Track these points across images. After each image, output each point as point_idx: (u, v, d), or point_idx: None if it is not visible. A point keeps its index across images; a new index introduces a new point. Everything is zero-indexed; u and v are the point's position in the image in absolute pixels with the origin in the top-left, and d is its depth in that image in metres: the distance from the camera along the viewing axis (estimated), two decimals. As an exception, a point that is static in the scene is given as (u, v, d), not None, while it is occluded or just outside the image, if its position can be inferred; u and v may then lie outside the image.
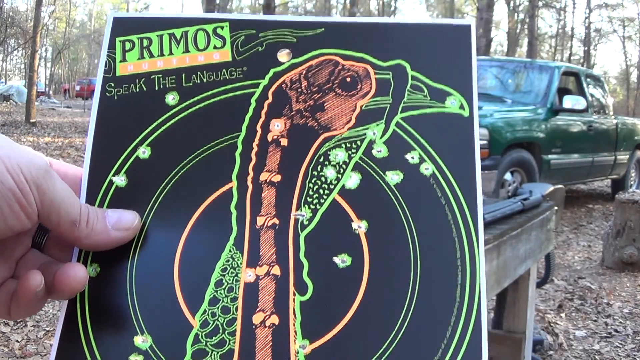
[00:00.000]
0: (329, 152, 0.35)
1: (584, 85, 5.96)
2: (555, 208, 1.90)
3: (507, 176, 4.73)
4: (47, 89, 25.37)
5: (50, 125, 11.24)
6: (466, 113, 0.35)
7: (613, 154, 6.17)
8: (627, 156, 6.48)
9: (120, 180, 0.35)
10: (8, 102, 17.24)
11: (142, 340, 0.32)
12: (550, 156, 5.22)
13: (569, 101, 5.30)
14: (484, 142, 4.43)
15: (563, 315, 2.93)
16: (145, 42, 0.38)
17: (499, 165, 4.57)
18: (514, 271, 1.55)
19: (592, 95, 6.05)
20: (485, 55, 11.29)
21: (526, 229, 1.61)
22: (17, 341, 2.25)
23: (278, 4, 16.18)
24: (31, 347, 2.21)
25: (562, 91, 5.74)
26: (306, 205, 0.34)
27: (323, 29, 0.37)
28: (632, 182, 6.79)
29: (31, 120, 10.76)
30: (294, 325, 0.32)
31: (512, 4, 21.91)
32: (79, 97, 24.14)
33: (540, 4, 18.91)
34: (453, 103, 0.36)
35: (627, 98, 27.80)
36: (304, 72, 0.37)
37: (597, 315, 2.95)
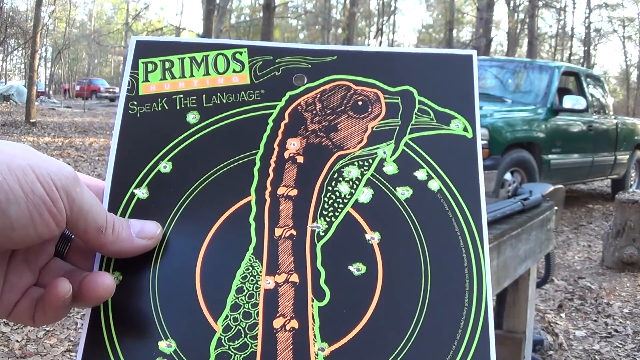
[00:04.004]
0: (342, 169, 0.37)
1: (584, 85, 5.97)
2: (555, 208, 1.92)
3: (507, 176, 4.75)
4: (47, 89, 25.29)
5: (50, 125, 11.25)
6: (469, 135, 0.38)
7: (613, 154, 6.18)
8: (627, 156, 6.49)
9: (141, 192, 0.36)
10: (8, 102, 17.23)
11: (166, 345, 0.33)
12: (550, 156, 5.23)
13: (569, 101, 5.31)
14: (484, 142, 4.43)
15: (563, 315, 2.95)
16: (167, 64, 0.39)
17: (499, 165, 4.58)
18: (514, 271, 1.56)
19: (592, 95, 6.06)
20: (485, 55, 11.28)
21: (526, 229, 1.62)
22: (17, 341, 2.25)
23: (278, 4, 16.17)
24: (31, 347, 2.22)
25: (562, 91, 5.75)
26: (322, 218, 0.36)
27: (336, 57, 0.40)
28: (632, 182, 6.80)
29: (31, 120, 10.76)
30: (313, 329, 0.33)
31: (512, 4, 21.87)
32: (79, 97, 24.14)
33: (540, 4, 18.89)
34: (457, 126, 0.38)
35: (627, 98, 27.77)
36: (319, 95, 0.39)
37: (597, 315, 2.96)
